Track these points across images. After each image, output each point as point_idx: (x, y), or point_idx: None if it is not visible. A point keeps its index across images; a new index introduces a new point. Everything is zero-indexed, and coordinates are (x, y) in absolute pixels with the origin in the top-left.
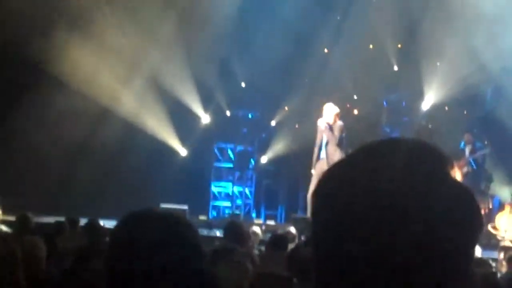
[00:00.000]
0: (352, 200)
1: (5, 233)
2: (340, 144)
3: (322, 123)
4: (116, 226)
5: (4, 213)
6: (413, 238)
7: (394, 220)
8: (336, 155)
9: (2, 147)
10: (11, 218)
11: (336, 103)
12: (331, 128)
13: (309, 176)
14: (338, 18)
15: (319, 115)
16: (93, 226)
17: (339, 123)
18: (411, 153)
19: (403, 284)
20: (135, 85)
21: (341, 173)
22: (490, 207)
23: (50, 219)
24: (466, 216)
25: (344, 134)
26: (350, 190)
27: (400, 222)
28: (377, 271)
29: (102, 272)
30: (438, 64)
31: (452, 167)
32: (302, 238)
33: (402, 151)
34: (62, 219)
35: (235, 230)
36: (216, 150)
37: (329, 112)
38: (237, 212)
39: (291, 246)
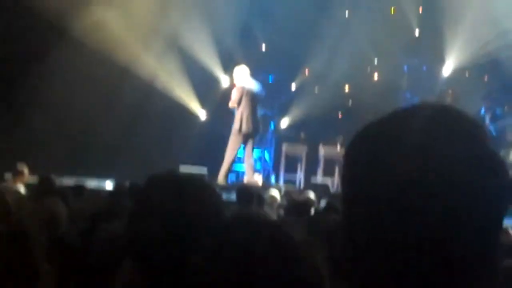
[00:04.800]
0: (383, 162)
1: (25, 195)
2: (236, 105)
3: (233, 93)
4: (141, 189)
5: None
6: (444, 201)
7: (426, 182)
8: (236, 119)
9: (23, 108)
10: (33, 179)
11: (356, 67)
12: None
13: (329, 141)
14: None
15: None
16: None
17: (237, 85)
18: (446, 118)
19: (432, 249)
20: (155, 47)
21: (372, 135)
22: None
23: (69, 181)
24: (498, 181)
25: (239, 96)
26: (382, 152)
27: (431, 184)
28: (407, 235)
29: (122, 234)
30: (459, 28)
31: (487, 136)
32: (322, 203)
33: (438, 116)
34: (81, 180)
35: (248, 193)
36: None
37: (235, 75)
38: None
39: (310, 211)
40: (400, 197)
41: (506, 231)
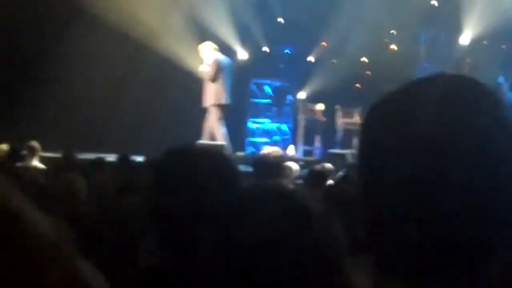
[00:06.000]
0: (399, 132)
1: (44, 169)
2: (212, 79)
3: (204, 68)
4: (158, 162)
5: (44, 149)
6: (463, 169)
7: (444, 151)
8: (209, 91)
9: (42, 86)
10: (51, 154)
11: (374, 38)
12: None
13: (348, 112)
14: None
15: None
16: (128, 161)
17: (213, 58)
18: (462, 87)
19: (451, 222)
20: (172, 21)
21: (388, 106)
22: None
23: (89, 156)
24: None
25: (217, 69)
26: (398, 122)
27: (449, 153)
28: (424, 207)
29: (141, 207)
30: None
31: (504, 105)
32: (340, 173)
33: (454, 86)
34: (100, 155)
35: (264, 165)
36: (253, 86)
37: (204, 51)
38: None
39: (328, 181)
40: (417, 168)
41: None
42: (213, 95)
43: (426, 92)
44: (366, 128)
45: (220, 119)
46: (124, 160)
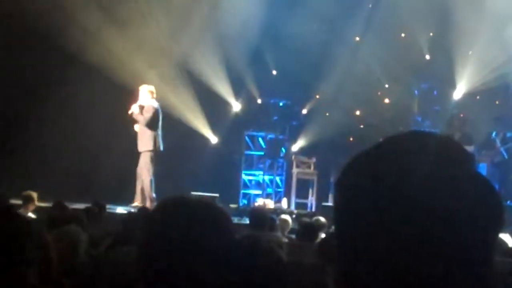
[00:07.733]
0: (373, 193)
1: (37, 220)
2: (150, 125)
3: (135, 108)
4: (151, 213)
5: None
6: (435, 231)
7: (416, 214)
8: (145, 136)
9: (34, 135)
10: (43, 204)
11: (367, 91)
12: (142, 109)
13: (341, 165)
14: (370, 6)
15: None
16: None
17: (150, 103)
18: (435, 148)
19: (423, 274)
20: (166, 71)
21: (364, 165)
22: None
23: (80, 206)
24: (488, 210)
25: (156, 116)
26: (372, 183)
27: (422, 217)
28: (400, 265)
29: (136, 258)
30: (470, 53)
31: (475, 164)
32: (333, 226)
33: (426, 146)
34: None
35: (259, 217)
36: (247, 138)
37: (142, 92)
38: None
39: (321, 234)
40: (388, 232)
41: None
42: (148, 141)
43: (400, 151)
44: (341, 186)
45: (152, 165)
46: (98, 206)
